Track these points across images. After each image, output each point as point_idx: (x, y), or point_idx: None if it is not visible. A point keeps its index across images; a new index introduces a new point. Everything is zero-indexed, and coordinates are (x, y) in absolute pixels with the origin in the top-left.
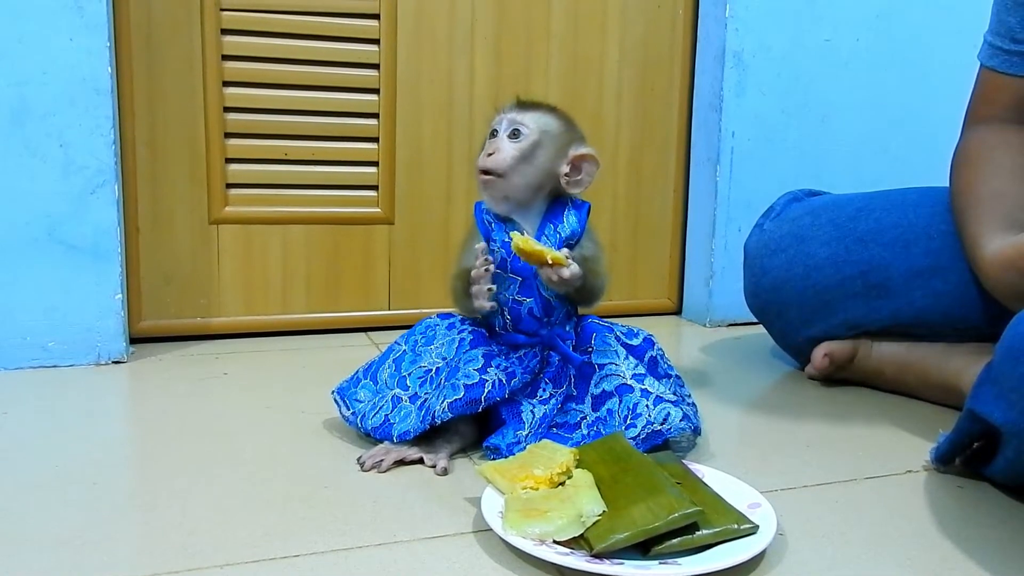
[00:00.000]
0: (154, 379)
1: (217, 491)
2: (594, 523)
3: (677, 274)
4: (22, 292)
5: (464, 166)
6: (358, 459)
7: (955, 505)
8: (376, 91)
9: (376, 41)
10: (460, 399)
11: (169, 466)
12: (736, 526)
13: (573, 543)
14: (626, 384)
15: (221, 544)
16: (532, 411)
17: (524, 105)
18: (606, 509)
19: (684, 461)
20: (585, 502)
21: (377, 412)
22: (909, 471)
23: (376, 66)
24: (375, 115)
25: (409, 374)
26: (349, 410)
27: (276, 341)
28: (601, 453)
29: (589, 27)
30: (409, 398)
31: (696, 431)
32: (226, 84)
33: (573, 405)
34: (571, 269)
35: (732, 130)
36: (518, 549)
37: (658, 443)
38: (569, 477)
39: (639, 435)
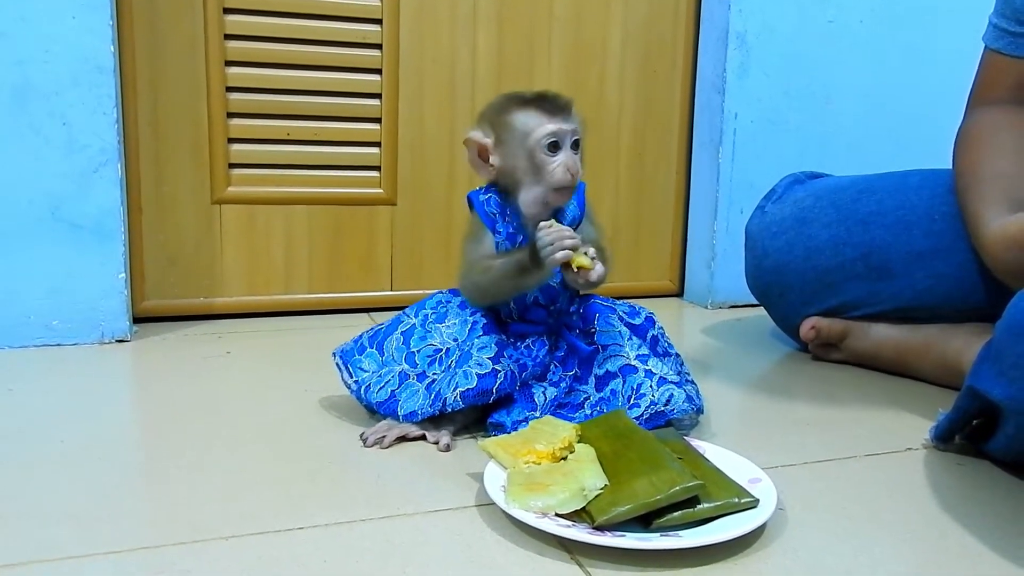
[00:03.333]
0: (157, 358)
1: (221, 466)
2: (596, 496)
3: (679, 256)
4: (26, 271)
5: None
6: (361, 435)
7: (954, 482)
8: (379, 71)
9: (379, 21)
10: (472, 389)
11: (173, 442)
12: (737, 500)
13: (575, 516)
14: (630, 365)
15: (226, 518)
16: (544, 392)
17: (570, 108)
18: (608, 483)
19: (685, 437)
20: (587, 476)
21: (383, 386)
22: (909, 448)
23: (379, 46)
24: (378, 95)
25: (418, 351)
26: (352, 377)
27: (278, 321)
28: (604, 429)
29: (592, 8)
30: (416, 376)
31: (699, 411)
32: (228, 64)
33: (577, 385)
34: (597, 272)
35: (735, 112)
36: (521, 522)
37: (661, 424)
38: (571, 452)
39: (642, 415)
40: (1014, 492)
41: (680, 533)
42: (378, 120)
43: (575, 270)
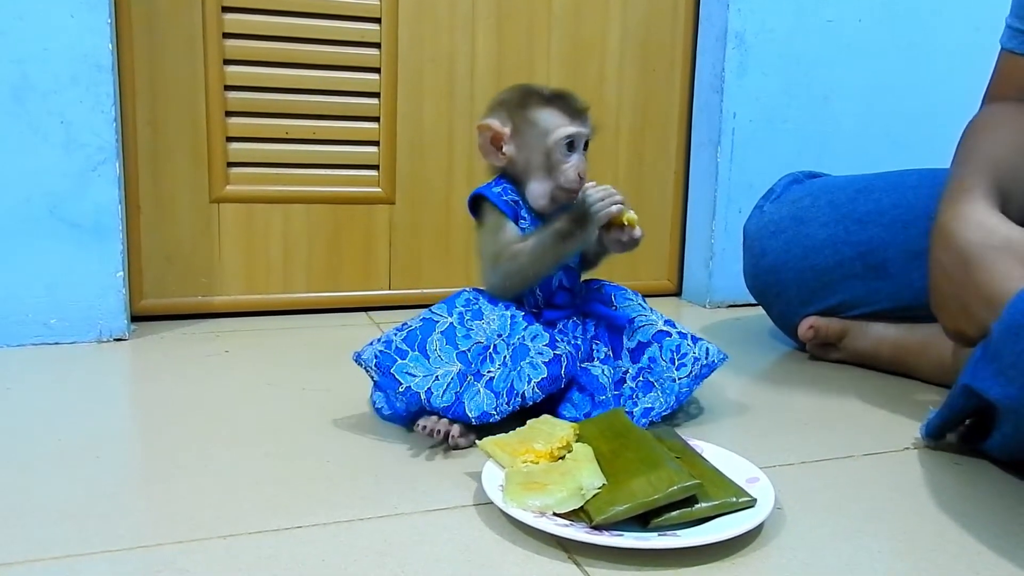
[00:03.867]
0: (156, 356)
1: (219, 465)
2: (594, 496)
3: (677, 255)
4: (24, 269)
5: (465, 146)
6: (419, 424)
7: (952, 481)
8: (377, 70)
9: (377, 20)
10: (546, 378)
11: (172, 441)
12: (734, 499)
13: (573, 515)
14: (662, 331)
15: (224, 516)
16: (603, 372)
17: (587, 112)
18: (606, 482)
19: (683, 436)
20: (585, 475)
21: (446, 390)
22: (906, 448)
23: (377, 45)
24: (376, 95)
25: (468, 350)
26: (403, 384)
27: (277, 320)
28: (601, 428)
29: (591, 8)
30: (473, 376)
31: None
32: (227, 62)
33: (613, 362)
34: (640, 229)
35: (733, 111)
36: (519, 521)
37: (707, 376)
38: (569, 451)
39: (690, 373)
40: (1011, 491)
41: (678, 532)
42: (377, 119)
43: (623, 226)
